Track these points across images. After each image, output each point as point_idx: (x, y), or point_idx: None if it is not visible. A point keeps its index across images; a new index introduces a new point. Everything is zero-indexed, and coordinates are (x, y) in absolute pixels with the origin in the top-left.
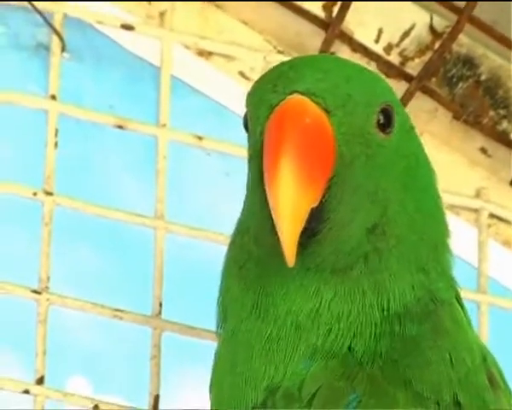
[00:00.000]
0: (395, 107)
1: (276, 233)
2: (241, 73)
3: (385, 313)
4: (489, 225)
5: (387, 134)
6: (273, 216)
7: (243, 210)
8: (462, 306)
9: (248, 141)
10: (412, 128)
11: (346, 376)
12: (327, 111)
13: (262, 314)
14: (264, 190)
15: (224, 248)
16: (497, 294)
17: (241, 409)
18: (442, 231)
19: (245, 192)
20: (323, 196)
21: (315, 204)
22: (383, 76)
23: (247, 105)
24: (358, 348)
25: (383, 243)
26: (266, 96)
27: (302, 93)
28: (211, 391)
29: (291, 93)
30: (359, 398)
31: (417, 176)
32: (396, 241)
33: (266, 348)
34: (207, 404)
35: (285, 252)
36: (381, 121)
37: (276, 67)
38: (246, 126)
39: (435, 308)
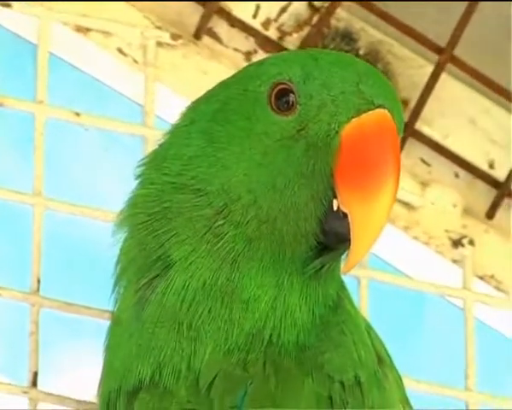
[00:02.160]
0: None
1: (308, 226)
2: (119, 50)
3: (321, 310)
4: None
5: None
6: (356, 226)
7: (231, 174)
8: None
9: (268, 116)
10: None
11: (243, 364)
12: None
13: (219, 287)
14: (320, 183)
15: (103, 224)
16: (377, 268)
17: (130, 380)
18: None
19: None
20: None
21: None
22: (261, 51)
23: (305, 82)
24: (288, 339)
25: None
26: (349, 98)
27: (389, 110)
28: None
29: (378, 106)
30: (251, 382)
31: None
32: None
33: (193, 325)
34: (85, 380)
35: (351, 261)
36: None
37: (342, 62)
38: (279, 98)
39: (341, 296)
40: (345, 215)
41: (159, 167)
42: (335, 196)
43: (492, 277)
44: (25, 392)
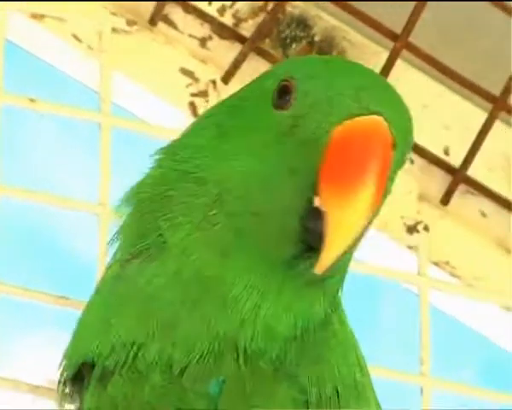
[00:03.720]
0: None
1: (291, 222)
2: (75, 36)
3: (306, 324)
4: None
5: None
6: (330, 226)
7: (229, 167)
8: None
9: (269, 112)
10: None
11: (219, 364)
12: (394, 145)
13: (207, 279)
14: (305, 180)
15: (59, 211)
16: None
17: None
18: None
19: (228, 145)
20: None
21: None
22: (217, 37)
23: (303, 81)
24: (265, 349)
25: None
26: (345, 101)
27: (387, 120)
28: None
29: (374, 113)
30: (224, 379)
31: None
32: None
33: (171, 312)
34: (43, 366)
35: (321, 262)
36: None
37: (344, 67)
38: (285, 93)
39: (330, 315)
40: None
41: (172, 153)
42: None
43: (447, 263)
44: None
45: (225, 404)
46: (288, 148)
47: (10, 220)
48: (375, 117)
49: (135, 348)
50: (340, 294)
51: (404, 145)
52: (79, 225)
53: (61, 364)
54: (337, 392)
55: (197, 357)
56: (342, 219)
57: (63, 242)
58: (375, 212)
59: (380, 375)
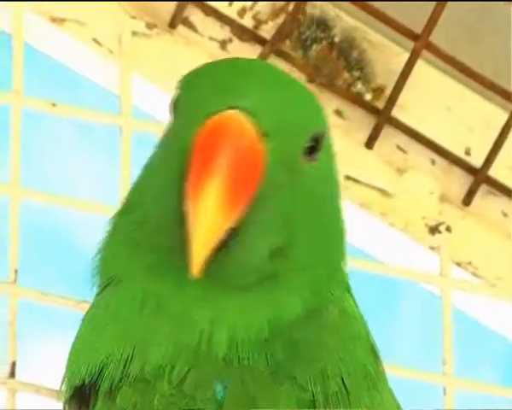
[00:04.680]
0: (326, 132)
1: (182, 237)
2: (95, 40)
3: (275, 324)
4: (345, 188)
5: (314, 160)
6: (189, 229)
7: (143, 188)
8: (350, 293)
9: (170, 125)
10: (334, 154)
11: (216, 369)
12: (264, 134)
13: (153, 300)
14: (181, 190)
15: (80, 214)
16: (353, 255)
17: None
18: (342, 250)
19: (146, 171)
20: (242, 217)
21: (232, 225)
22: (237, 40)
23: (183, 92)
24: (243, 355)
25: (282, 266)
26: (203, 101)
27: (243, 110)
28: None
29: (230, 108)
30: (226, 384)
31: (333, 202)
32: (295, 265)
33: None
34: (61, 369)
35: (191, 267)
36: (310, 147)
37: (218, 67)
38: (174, 108)
39: (324, 307)
40: None
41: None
42: None
43: (470, 263)
44: (3, 383)
45: (230, 408)
46: (171, 158)
47: (30, 224)
48: (229, 112)
49: (121, 365)
50: (333, 286)
51: (291, 133)
52: (100, 229)
53: (61, 386)
54: (345, 387)
55: (186, 365)
56: (197, 220)
57: (83, 245)
58: (266, 206)
59: (403, 375)
